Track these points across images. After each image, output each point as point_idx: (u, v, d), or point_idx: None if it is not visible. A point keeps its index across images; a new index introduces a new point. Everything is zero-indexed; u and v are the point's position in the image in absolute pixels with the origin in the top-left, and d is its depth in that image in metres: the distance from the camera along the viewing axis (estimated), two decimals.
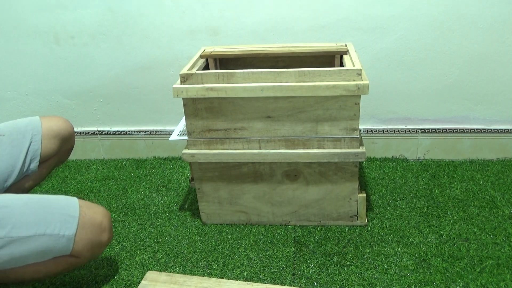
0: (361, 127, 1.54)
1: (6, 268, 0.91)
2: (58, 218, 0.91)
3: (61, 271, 0.96)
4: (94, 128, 1.68)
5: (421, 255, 1.10)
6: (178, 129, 1.27)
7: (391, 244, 1.15)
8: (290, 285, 1.04)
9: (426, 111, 1.50)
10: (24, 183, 1.12)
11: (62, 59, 1.55)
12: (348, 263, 1.09)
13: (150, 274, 1.00)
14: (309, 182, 1.18)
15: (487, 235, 1.16)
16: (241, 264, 1.11)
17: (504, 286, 1.00)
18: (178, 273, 1.10)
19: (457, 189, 1.38)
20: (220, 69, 1.33)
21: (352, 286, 1.03)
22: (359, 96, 1.05)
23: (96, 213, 0.96)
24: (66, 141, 1.19)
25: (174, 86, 1.09)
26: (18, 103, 1.64)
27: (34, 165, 1.12)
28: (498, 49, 1.38)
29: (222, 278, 1.07)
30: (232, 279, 1.07)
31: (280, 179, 1.18)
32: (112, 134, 1.68)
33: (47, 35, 1.50)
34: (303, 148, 1.13)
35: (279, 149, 1.14)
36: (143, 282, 0.98)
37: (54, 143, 1.14)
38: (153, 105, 1.61)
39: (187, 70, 1.10)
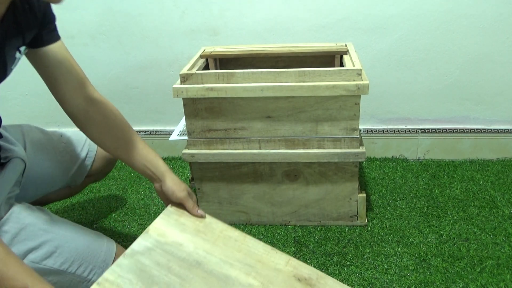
0: (361, 127, 1.53)
1: None
2: (92, 261, 0.88)
3: None
4: None
5: (421, 255, 1.10)
6: (178, 129, 1.27)
7: (391, 244, 1.15)
8: None
9: (426, 111, 1.50)
10: (62, 192, 1.12)
11: None
12: (348, 263, 1.09)
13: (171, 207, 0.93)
14: (309, 182, 1.18)
15: (487, 235, 1.16)
16: None
17: (504, 286, 1.00)
18: None
19: (457, 189, 1.38)
20: (220, 69, 1.33)
21: (352, 286, 1.02)
22: (359, 96, 1.05)
23: None
24: (109, 164, 1.20)
25: (174, 86, 1.09)
26: (18, 103, 1.64)
27: (81, 179, 1.13)
28: (498, 49, 1.38)
29: None
30: None
31: (280, 179, 1.18)
32: None
33: None
34: (303, 148, 1.13)
35: (279, 149, 1.14)
36: (168, 208, 0.92)
37: (101, 164, 1.16)
38: (153, 105, 1.61)
39: (187, 70, 1.10)
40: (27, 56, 0.87)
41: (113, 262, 0.89)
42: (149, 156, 0.93)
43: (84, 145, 1.12)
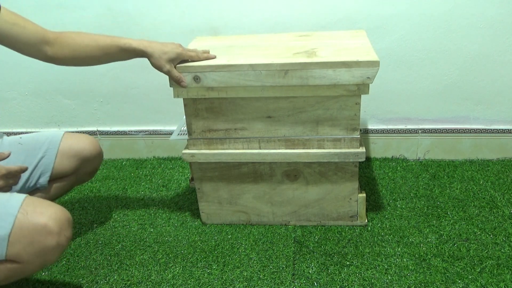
0: (361, 127, 1.53)
1: None
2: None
3: (4, 279, 0.86)
4: (94, 128, 1.67)
5: (421, 255, 1.10)
6: (178, 129, 1.27)
7: (391, 244, 1.15)
8: (290, 285, 1.04)
9: (426, 111, 1.50)
10: (38, 197, 1.09)
11: None
12: (348, 263, 1.09)
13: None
14: (309, 182, 1.18)
15: (487, 235, 1.16)
16: (241, 264, 1.11)
17: (504, 286, 1.00)
18: (177, 274, 1.10)
19: (457, 189, 1.38)
20: None
21: (352, 286, 1.03)
22: (359, 96, 1.05)
23: (42, 213, 0.84)
24: (87, 162, 1.15)
25: (174, 86, 1.09)
26: (18, 103, 1.64)
27: (44, 179, 1.09)
28: (498, 49, 1.38)
29: (222, 278, 1.07)
30: (232, 279, 1.07)
31: (280, 179, 1.18)
32: (112, 134, 1.68)
33: None
34: (303, 148, 1.13)
35: (279, 149, 1.14)
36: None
37: (71, 162, 1.12)
38: (153, 105, 1.61)
39: None
40: None
41: (19, 211, 0.84)
42: (118, 41, 1.06)
43: (44, 144, 1.09)
